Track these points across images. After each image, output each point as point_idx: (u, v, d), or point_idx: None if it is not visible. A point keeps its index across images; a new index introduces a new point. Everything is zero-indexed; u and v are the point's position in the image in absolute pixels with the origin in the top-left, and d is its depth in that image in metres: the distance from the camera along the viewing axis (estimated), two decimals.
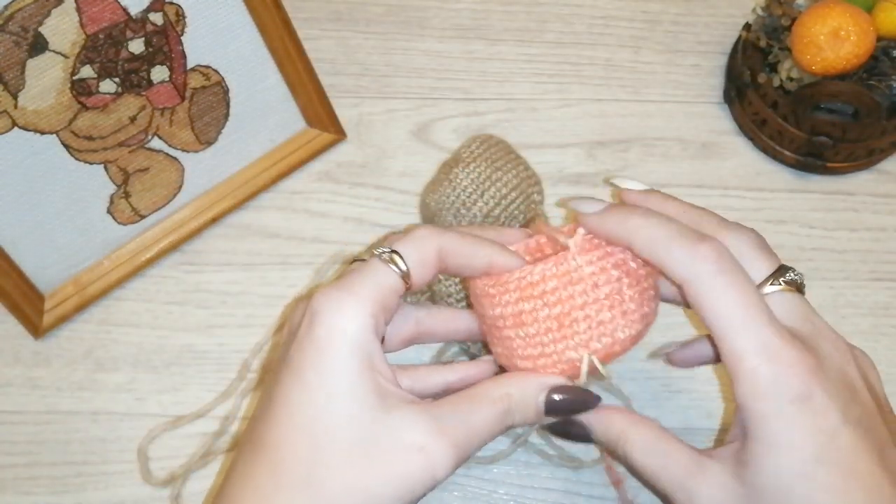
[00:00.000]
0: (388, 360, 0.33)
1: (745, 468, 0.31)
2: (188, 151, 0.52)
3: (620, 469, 0.44)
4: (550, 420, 0.35)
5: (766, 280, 0.33)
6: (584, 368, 0.34)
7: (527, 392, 0.34)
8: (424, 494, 0.32)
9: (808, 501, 0.30)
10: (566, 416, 0.35)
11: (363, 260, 0.35)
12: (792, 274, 0.33)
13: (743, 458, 0.31)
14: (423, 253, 0.34)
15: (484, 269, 0.35)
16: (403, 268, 0.34)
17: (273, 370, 0.34)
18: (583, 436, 0.36)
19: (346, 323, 0.32)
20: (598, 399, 0.35)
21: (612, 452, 0.36)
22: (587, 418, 0.36)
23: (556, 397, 0.34)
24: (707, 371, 0.49)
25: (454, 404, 0.33)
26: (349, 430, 0.31)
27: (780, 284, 0.33)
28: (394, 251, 0.34)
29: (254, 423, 0.33)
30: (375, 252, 0.34)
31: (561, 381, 0.35)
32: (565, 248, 0.35)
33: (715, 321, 0.31)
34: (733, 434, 0.33)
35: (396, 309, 0.35)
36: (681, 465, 0.33)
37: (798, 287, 0.33)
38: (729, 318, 0.31)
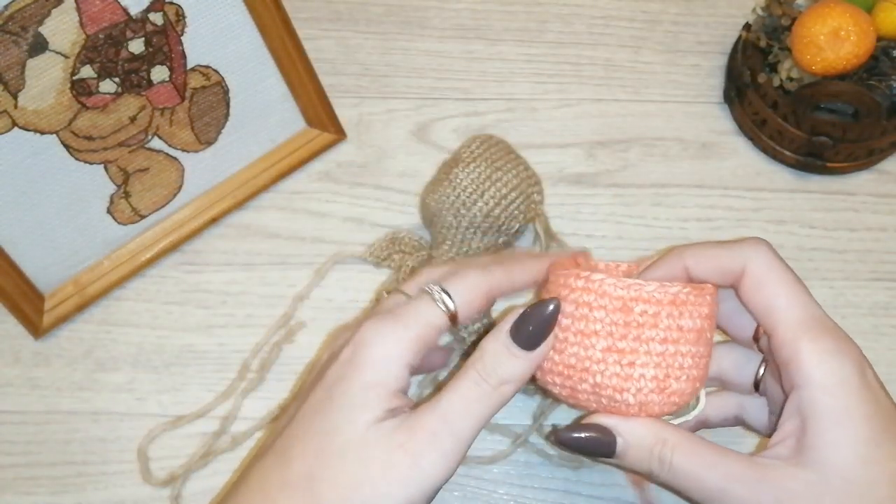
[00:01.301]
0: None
1: (812, 450, 0.31)
2: (188, 151, 0.52)
3: None
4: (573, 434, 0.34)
5: None
6: (702, 405, 0.35)
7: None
8: (424, 497, 0.32)
9: (883, 470, 0.30)
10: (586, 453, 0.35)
11: (400, 292, 0.37)
12: None
13: (807, 442, 0.31)
14: (473, 294, 0.35)
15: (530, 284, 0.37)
16: (452, 307, 0.35)
17: (306, 388, 0.35)
18: (606, 450, 0.34)
19: (386, 352, 0.33)
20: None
21: (640, 465, 0.34)
22: (615, 425, 0.34)
23: (582, 434, 0.34)
24: None
25: (435, 396, 0.34)
26: (349, 435, 0.32)
27: None
28: (444, 290, 0.35)
29: (278, 431, 0.35)
30: (427, 289, 0.35)
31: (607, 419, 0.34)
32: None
33: (772, 300, 0.33)
34: (784, 431, 0.33)
35: (435, 344, 0.35)
36: (736, 461, 0.32)
37: None
38: (787, 296, 0.33)
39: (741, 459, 0.32)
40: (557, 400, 0.38)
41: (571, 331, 0.34)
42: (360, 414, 0.32)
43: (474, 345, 0.46)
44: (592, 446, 0.34)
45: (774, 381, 0.37)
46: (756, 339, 0.38)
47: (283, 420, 0.35)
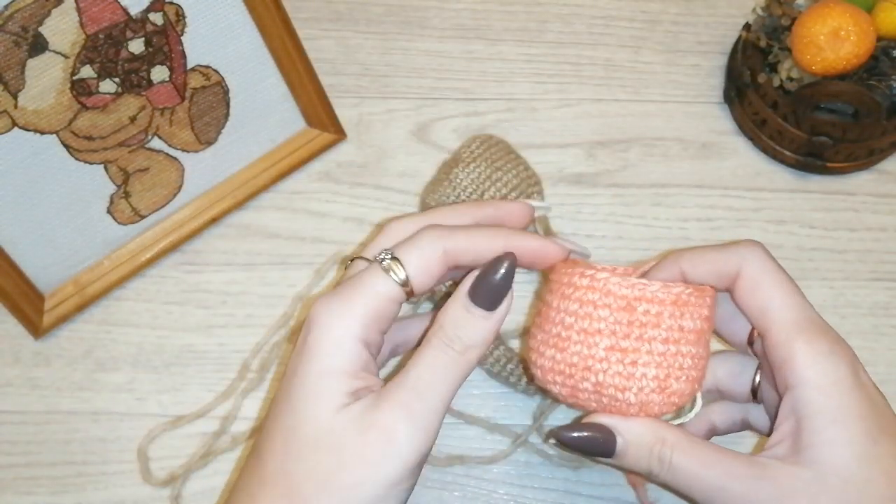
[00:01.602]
0: (375, 367, 0.34)
1: (809, 448, 0.31)
2: (188, 151, 0.52)
3: None
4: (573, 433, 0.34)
5: None
6: (698, 406, 0.35)
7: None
8: (405, 473, 0.31)
9: (879, 467, 0.31)
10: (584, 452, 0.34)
11: (362, 259, 0.35)
12: None
13: (804, 441, 0.32)
14: (425, 259, 0.33)
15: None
16: (403, 276, 0.33)
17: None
18: (605, 449, 0.34)
19: (335, 334, 0.32)
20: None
21: (639, 465, 0.34)
22: (615, 424, 0.34)
23: (580, 434, 0.34)
24: None
25: (402, 371, 0.33)
26: (315, 426, 0.31)
27: None
28: (394, 258, 0.33)
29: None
30: (376, 258, 0.34)
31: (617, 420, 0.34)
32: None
33: (767, 301, 0.34)
34: (780, 433, 0.33)
35: (395, 316, 0.34)
36: (735, 460, 0.32)
37: None
38: (780, 298, 0.34)
39: (740, 458, 0.33)
40: (557, 400, 0.38)
41: (575, 329, 0.34)
42: (321, 403, 0.32)
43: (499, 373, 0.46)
44: (592, 446, 0.34)
45: (769, 383, 0.37)
46: (750, 342, 0.38)
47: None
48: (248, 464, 0.33)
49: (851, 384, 0.32)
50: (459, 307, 0.33)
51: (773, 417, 0.34)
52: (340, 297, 0.33)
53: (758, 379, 0.38)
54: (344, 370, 0.32)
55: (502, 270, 0.33)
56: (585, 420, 0.35)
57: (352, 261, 0.36)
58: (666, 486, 0.34)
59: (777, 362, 0.33)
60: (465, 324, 0.33)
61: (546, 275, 0.37)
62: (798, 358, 0.32)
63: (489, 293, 0.33)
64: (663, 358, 0.34)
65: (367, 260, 0.35)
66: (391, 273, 0.33)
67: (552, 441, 0.35)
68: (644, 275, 0.38)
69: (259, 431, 0.34)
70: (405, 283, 0.33)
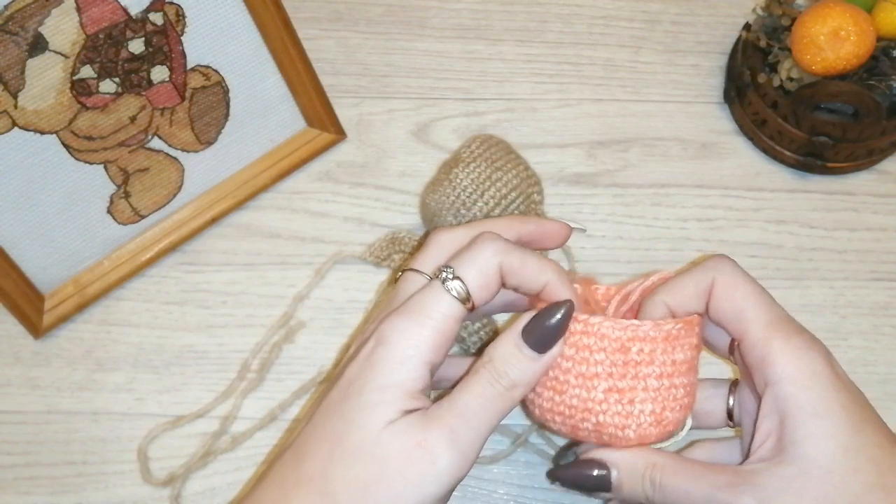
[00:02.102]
0: (428, 389, 0.34)
1: (793, 445, 0.32)
2: (188, 151, 0.52)
3: None
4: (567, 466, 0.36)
5: None
6: (688, 427, 0.37)
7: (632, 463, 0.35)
8: (440, 496, 0.32)
9: (863, 457, 0.31)
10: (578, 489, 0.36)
11: (415, 272, 0.36)
12: None
13: (788, 438, 0.32)
14: (485, 275, 0.34)
15: (537, 292, 0.35)
16: (465, 293, 0.33)
17: (328, 383, 0.35)
18: (603, 484, 0.35)
19: (405, 353, 0.33)
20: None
21: (635, 493, 0.35)
22: (608, 457, 0.35)
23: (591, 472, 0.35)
24: None
25: (448, 396, 0.33)
26: (363, 435, 0.32)
27: None
28: (456, 276, 0.34)
29: (298, 430, 0.35)
30: (437, 275, 0.34)
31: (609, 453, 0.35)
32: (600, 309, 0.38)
33: (742, 303, 0.34)
34: (762, 433, 0.34)
35: (456, 334, 0.35)
36: (721, 471, 0.33)
37: None
38: (754, 300, 0.34)
39: (725, 470, 0.33)
40: (555, 433, 0.39)
41: (573, 373, 0.35)
42: (375, 415, 0.32)
43: (480, 350, 0.46)
44: (590, 482, 0.35)
45: (750, 392, 0.37)
46: (731, 350, 0.39)
47: (303, 418, 0.35)
48: (285, 461, 0.33)
49: (829, 377, 0.32)
50: (511, 344, 0.33)
51: (753, 423, 0.35)
52: (411, 316, 0.33)
53: (732, 401, 0.39)
54: (405, 388, 0.32)
55: (559, 316, 0.33)
56: (582, 457, 0.36)
57: (402, 272, 0.37)
58: None
59: (755, 362, 0.34)
60: (515, 362, 0.33)
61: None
62: (776, 354, 0.33)
63: (543, 336, 0.33)
64: (658, 393, 0.35)
65: (420, 273, 0.36)
66: (454, 291, 0.33)
67: (550, 478, 0.37)
68: (627, 296, 0.38)
69: (300, 430, 0.34)
70: (467, 300, 0.34)
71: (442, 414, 0.32)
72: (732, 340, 0.38)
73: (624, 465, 0.35)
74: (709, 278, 0.36)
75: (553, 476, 0.36)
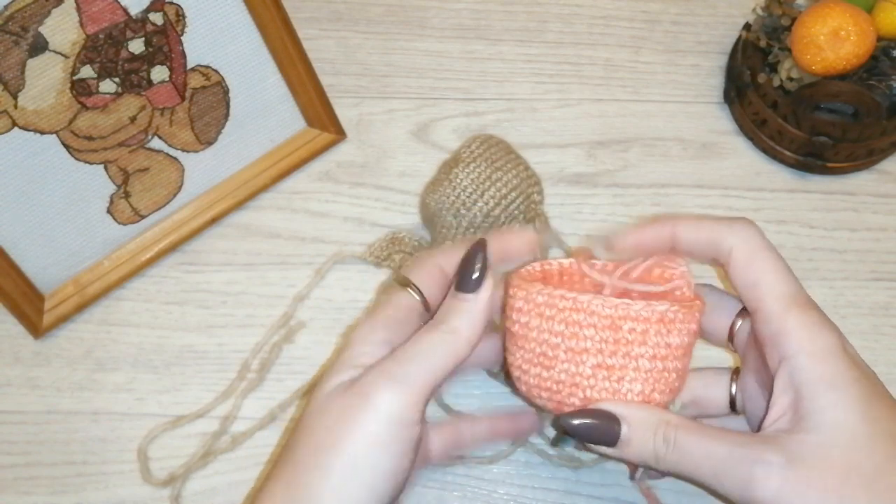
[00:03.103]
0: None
1: (811, 416, 0.32)
2: (188, 151, 0.52)
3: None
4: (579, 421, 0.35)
5: None
6: (677, 406, 0.36)
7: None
8: (386, 430, 0.32)
9: (879, 429, 0.31)
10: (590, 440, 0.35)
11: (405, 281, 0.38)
12: None
13: (804, 410, 0.32)
14: (426, 273, 0.38)
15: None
16: (406, 281, 0.38)
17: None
18: (609, 437, 0.34)
19: (359, 337, 0.36)
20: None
21: (643, 450, 0.34)
22: (620, 410, 0.34)
23: (586, 421, 0.34)
24: None
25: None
26: (314, 407, 0.35)
27: None
28: (404, 277, 0.38)
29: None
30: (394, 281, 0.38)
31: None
32: (599, 284, 0.37)
33: (760, 276, 0.34)
34: (778, 408, 0.33)
35: (413, 323, 0.37)
36: (739, 436, 0.33)
37: None
38: (774, 273, 0.34)
39: (745, 433, 0.33)
40: (541, 410, 0.39)
41: (562, 348, 0.35)
42: (323, 389, 0.34)
43: None
44: (597, 433, 0.34)
45: (755, 376, 0.37)
46: (730, 337, 0.38)
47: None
48: (282, 457, 0.35)
49: (843, 353, 0.33)
50: (448, 297, 0.36)
51: (760, 419, 0.34)
52: (367, 314, 0.38)
53: (734, 388, 0.39)
54: (354, 362, 0.35)
55: (476, 255, 0.35)
56: (590, 406, 0.35)
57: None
58: (671, 472, 0.34)
59: (770, 335, 0.34)
60: (452, 308, 0.35)
61: (507, 290, 0.38)
62: (792, 328, 0.33)
63: (469, 279, 0.35)
64: (650, 374, 0.34)
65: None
66: (408, 290, 0.38)
67: (556, 426, 0.36)
68: (634, 232, 0.38)
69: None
70: (408, 284, 0.38)
71: (380, 362, 0.34)
72: (731, 326, 0.38)
73: (636, 421, 0.34)
74: (730, 238, 0.35)
75: (560, 423, 0.35)
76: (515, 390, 0.37)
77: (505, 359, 0.38)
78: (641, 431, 0.34)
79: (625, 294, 0.37)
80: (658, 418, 0.34)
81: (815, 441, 0.31)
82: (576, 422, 0.34)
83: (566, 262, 0.39)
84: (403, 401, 0.33)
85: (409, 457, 0.34)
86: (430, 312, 0.37)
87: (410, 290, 0.37)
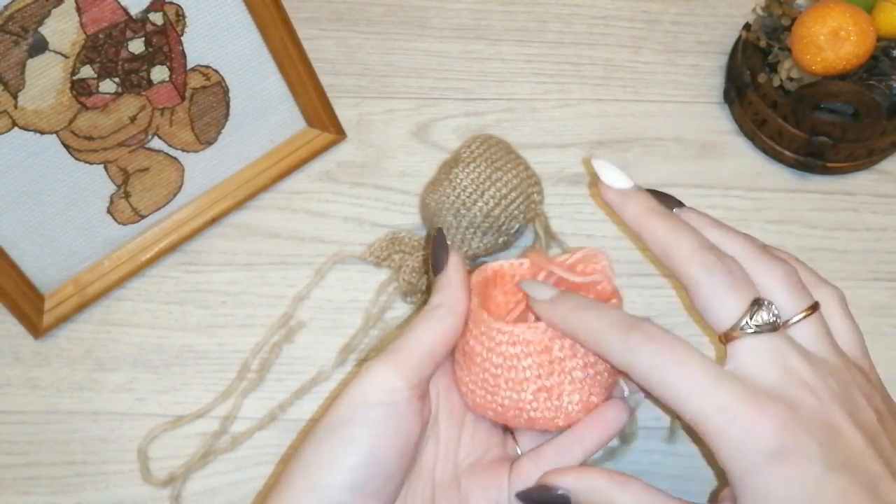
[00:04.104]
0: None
1: None
2: (188, 151, 0.52)
3: None
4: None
5: (735, 326, 0.32)
6: (626, 392, 0.38)
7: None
8: (377, 398, 0.34)
9: None
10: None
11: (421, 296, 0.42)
12: (764, 314, 0.32)
13: None
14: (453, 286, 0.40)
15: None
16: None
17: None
18: (565, 501, 0.35)
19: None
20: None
21: None
22: (567, 484, 0.35)
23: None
24: None
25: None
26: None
27: (750, 328, 0.32)
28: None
29: None
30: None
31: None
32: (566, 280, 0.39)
33: (669, 399, 0.31)
34: (725, 493, 0.33)
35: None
36: None
37: (773, 326, 0.32)
38: (679, 392, 0.31)
39: None
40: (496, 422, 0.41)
41: (503, 379, 0.37)
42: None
43: None
44: (556, 500, 0.35)
45: None
46: None
47: None
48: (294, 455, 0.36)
49: (773, 469, 0.29)
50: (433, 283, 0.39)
51: None
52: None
53: None
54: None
55: (438, 241, 0.39)
56: (539, 481, 0.36)
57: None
58: None
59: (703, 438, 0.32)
60: (433, 290, 0.38)
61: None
62: (713, 446, 0.31)
63: (437, 260, 0.39)
64: (583, 383, 0.36)
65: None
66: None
67: (521, 500, 0.37)
68: (550, 275, 0.40)
69: None
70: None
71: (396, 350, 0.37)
72: None
73: (583, 495, 0.34)
74: (622, 367, 0.33)
75: (521, 497, 0.36)
76: (466, 405, 0.40)
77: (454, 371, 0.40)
78: (587, 499, 0.35)
79: (559, 283, 0.39)
80: (603, 497, 0.34)
81: None
82: (535, 495, 0.36)
83: (507, 263, 0.41)
84: (392, 370, 0.35)
85: (408, 426, 0.35)
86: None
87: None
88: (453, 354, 0.40)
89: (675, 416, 0.37)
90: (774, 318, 0.32)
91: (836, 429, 0.30)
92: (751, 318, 0.32)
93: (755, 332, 0.32)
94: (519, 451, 0.40)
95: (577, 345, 0.36)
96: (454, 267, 0.38)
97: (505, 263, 0.41)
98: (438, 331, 0.37)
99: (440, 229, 0.40)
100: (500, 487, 0.37)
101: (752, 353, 0.31)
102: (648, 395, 0.37)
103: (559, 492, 0.35)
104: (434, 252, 0.39)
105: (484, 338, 0.37)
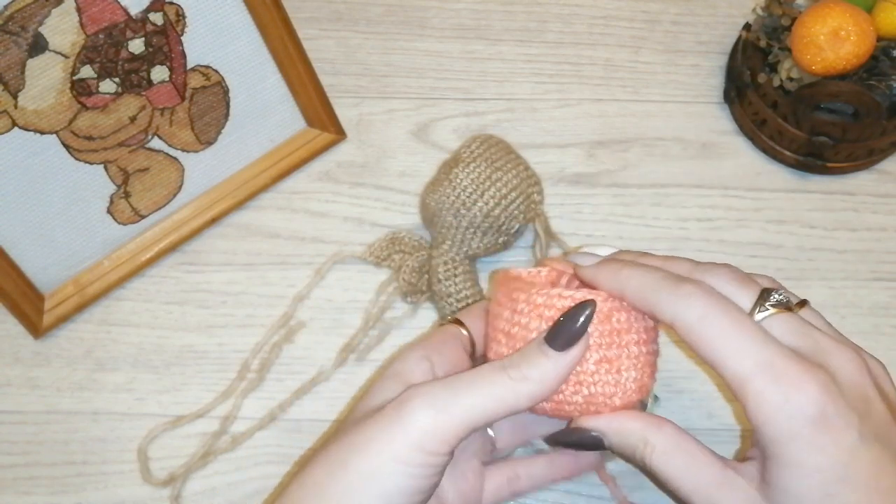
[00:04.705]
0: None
1: (768, 487, 0.31)
2: (188, 151, 0.52)
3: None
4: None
5: (753, 309, 0.32)
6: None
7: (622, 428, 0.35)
8: (411, 450, 0.32)
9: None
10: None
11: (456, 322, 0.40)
12: (777, 295, 0.33)
13: (765, 477, 0.31)
14: (471, 313, 0.41)
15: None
16: (453, 319, 0.41)
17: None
18: (595, 444, 0.35)
19: (407, 356, 0.37)
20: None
21: (628, 458, 0.35)
22: (600, 425, 0.35)
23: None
24: (706, 372, 0.49)
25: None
26: (355, 414, 0.36)
27: (767, 309, 0.32)
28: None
29: None
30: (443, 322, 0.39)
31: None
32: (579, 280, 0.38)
33: (712, 352, 0.31)
34: (752, 452, 0.33)
35: (454, 342, 0.38)
36: (706, 475, 0.32)
37: (787, 307, 0.33)
38: (725, 346, 0.31)
39: (712, 474, 0.32)
40: (534, 413, 0.38)
41: None
42: (367, 397, 0.36)
43: None
44: (589, 443, 0.35)
45: None
46: None
47: None
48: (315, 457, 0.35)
49: (810, 434, 0.30)
50: (533, 345, 0.34)
51: None
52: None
53: None
54: (402, 378, 0.36)
55: (582, 316, 0.33)
56: (573, 425, 0.36)
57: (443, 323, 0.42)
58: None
59: (738, 398, 0.32)
60: (532, 357, 0.33)
61: (496, 294, 0.39)
62: (750, 409, 0.31)
63: (565, 335, 0.33)
64: (638, 360, 0.35)
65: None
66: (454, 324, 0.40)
67: (549, 442, 0.37)
68: (585, 278, 0.38)
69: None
70: (464, 328, 0.40)
71: (428, 383, 0.33)
72: None
73: (616, 438, 0.34)
74: (669, 316, 0.33)
75: (552, 440, 0.36)
76: None
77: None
78: (621, 448, 0.35)
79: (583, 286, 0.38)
80: (639, 437, 0.34)
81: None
82: (569, 437, 0.36)
83: (526, 271, 0.40)
84: (437, 427, 0.32)
85: (430, 482, 0.33)
86: (473, 347, 0.39)
87: (457, 325, 0.39)
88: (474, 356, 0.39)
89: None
90: (787, 300, 0.33)
91: (868, 399, 0.31)
92: (766, 301, 0.33)
93: (774, 313, 0.32)
94: (494, 445, 0.40)
95: (633, 319, 0.35)
96: (577, 354, 0.33)
97: (523, 271, 0.40)
98: (503, 404, 0.33)
99: (593, 302, 0.34)
100: None
101: (780, 327, 0.32)
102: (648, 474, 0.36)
103: (592, 434, 0.35)
104: (570, 323, 0.33)
105: (543, 308, 0.35)
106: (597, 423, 0.35)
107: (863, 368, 0.32)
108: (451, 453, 0.33)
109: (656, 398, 0.45)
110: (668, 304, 0.33)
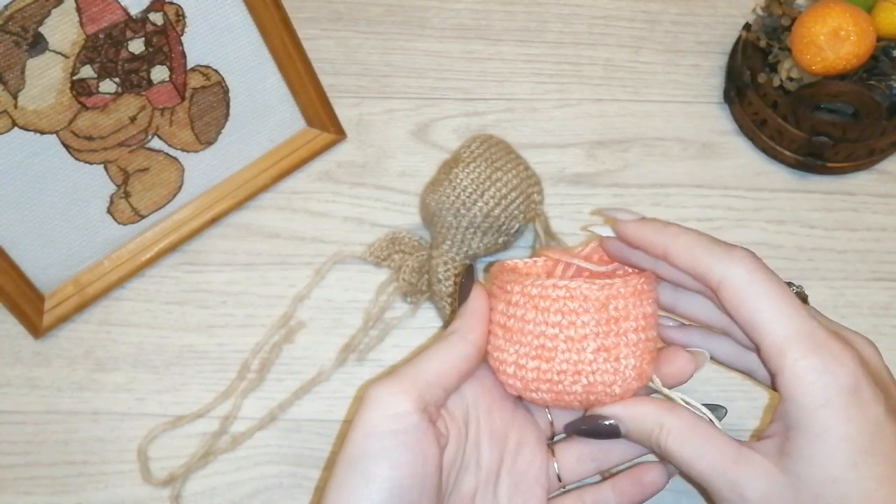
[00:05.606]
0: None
1: (789, 458, 0.32)
2: (188, 151, 0.52)
3: None
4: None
5: None
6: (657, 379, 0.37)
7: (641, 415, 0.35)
8: (387, 425, 0.33)
9: (855, 490, 0.30)
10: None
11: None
12: (795, 287, 0.34)
13: (787, 449, 0.32)
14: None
15: None
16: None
17: None
18: (610, 432, 0.36)
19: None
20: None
21: (643, 443, 0.36)
22: (616, 413, 0.36)
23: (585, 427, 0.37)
24: (706, 372, 0.49)
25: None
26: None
27: None
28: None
29: None
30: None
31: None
32: (583, 270, 0.38)
33: (756, 314, 0.32)
34: (772, 429, 0.33)
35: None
36: (722, 453, 0.33)
37: (803, 298, 0.34)
38: (770, 310, 0.32)
39: (728, 452, 0.33)
40: (534, 403, 0.39)
41: (561, 338, 0.35)
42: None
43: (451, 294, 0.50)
44: (605, 431, 0.36)
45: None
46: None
47: None
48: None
49: (842, 404, 0.31)
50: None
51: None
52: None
53: None
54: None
55: (467, 275, 0.38)
56: (589, 413, 0.37)
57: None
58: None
59: (770, 372, 0.33)
60: (455, 318, 0.37)
61: (492, 287, 0.39)
62: (786, 375, 0.32)
63: (463, 292, 0.38)
64: (637, 347, 0.36)
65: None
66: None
67: (568, 432, 0.38)
68: (624, 234, 0.38)
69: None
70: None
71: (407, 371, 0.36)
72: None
73: (631, 423, 0.35)
74: (718, 276, 0.33)
75: (570, 429, 0.37)
76: (509, 389, 0.38)
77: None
78: (637, 433, 0.36)
79: (577, 275, 0.39)
80: (654, 421, 0.35)
81: (784, 484, 0.32)
82: (586, 426, 0.36)
83: (522, 261, 0.40)
84: (398, 394, 0.34)
85: (424, 452, 0.33)
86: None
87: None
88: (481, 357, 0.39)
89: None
90: (803, 292, 0.35)
91: (886, 381, 0.33)
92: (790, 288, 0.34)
93: None
94: (559, 478, 0.40)
95: (630, 306, 0.35)
96: (477, 299, 0.38)
97: (519, 262, 0.40)
98: (448, 356, 0.36)
99: (471, 266, 0.39)
100: None
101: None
102: (682, 474, 0.36)
103: (608, 422, 0.36)
104: (461, 283, 0.38)
105: (538, 299, 0.35)
106: (612, 411, 0.36)
107: (879, 355, 0.34)
108: (427, 420, 0.34)
109: (723, 410, 0.40)
110: (718, 263, 0.33)
